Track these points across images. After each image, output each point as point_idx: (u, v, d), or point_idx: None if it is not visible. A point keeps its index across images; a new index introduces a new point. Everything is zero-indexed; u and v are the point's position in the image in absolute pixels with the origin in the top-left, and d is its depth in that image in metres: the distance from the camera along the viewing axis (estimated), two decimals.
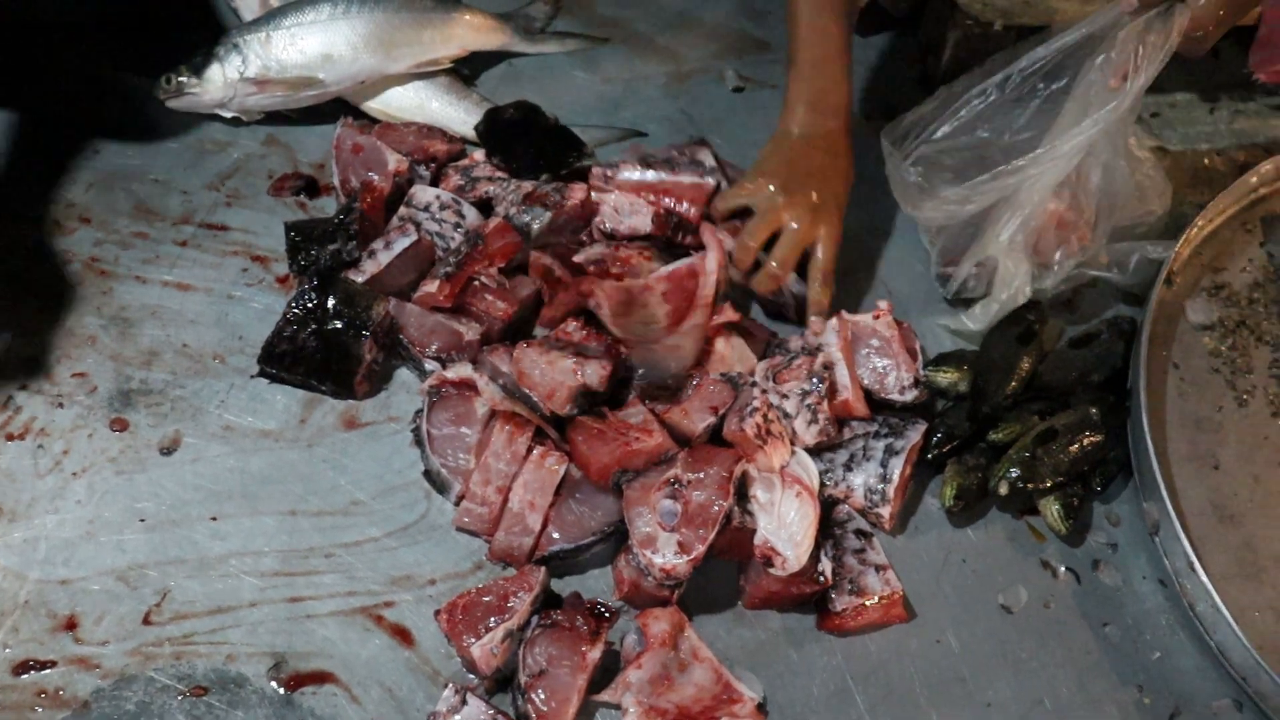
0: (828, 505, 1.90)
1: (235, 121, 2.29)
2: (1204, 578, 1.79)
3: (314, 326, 1.93)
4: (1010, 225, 1.99)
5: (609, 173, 2.14)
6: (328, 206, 2.21)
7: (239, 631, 1.75)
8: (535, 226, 2.06)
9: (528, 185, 2.13)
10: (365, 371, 1.96)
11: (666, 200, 2.13)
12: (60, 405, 1.93)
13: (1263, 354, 2.13)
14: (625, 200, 2.12)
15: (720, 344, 1.98)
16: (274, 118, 2.31)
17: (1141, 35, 1.86)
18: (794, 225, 2.04)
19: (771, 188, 2.06)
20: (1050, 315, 2.11)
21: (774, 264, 2.04)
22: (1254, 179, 2.27)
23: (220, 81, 2.21)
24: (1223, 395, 2.08)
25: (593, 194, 2.13)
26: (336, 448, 1.93)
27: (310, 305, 1.94)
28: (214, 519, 1.84)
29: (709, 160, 2.16)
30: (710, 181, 2.13)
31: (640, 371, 1.93)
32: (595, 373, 1.87)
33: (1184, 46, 1.88)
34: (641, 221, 2.10)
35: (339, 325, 1.93)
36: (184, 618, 1.76)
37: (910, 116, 2.13)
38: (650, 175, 2.14)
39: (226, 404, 1.96)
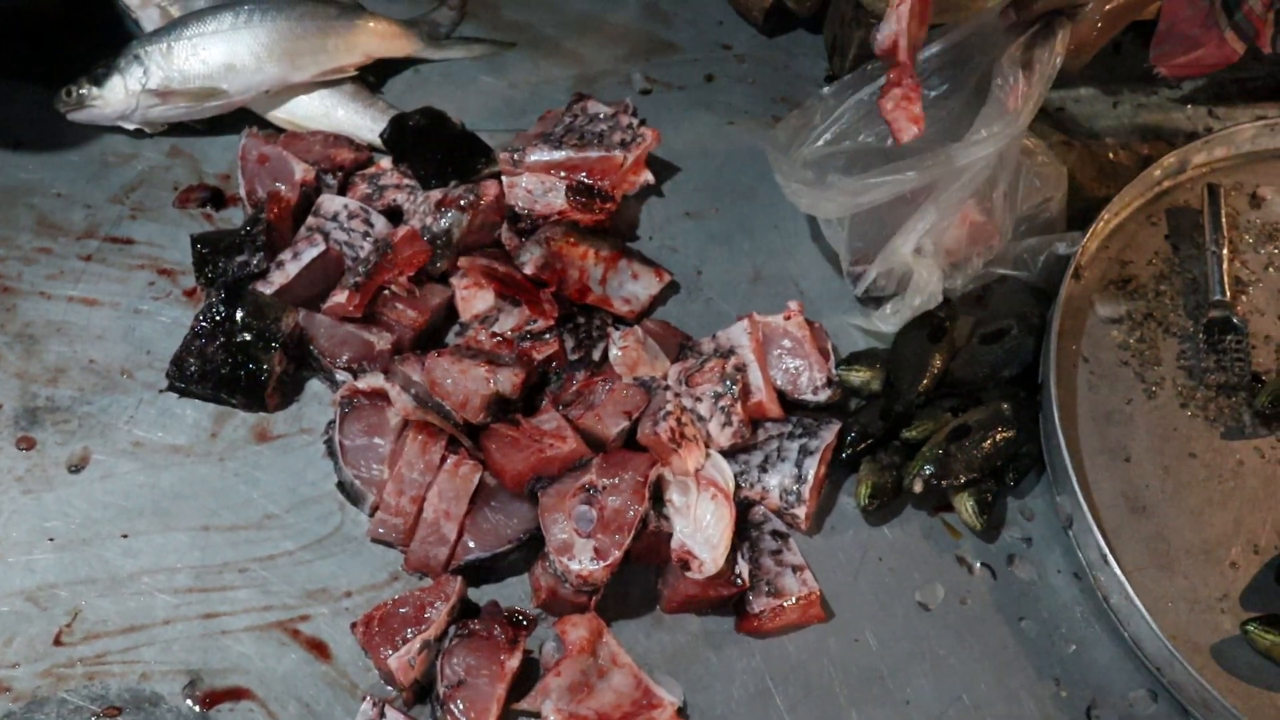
0: (743, 507, 1.96)
1: (138, 133, 2.31)
2: (1117, 570, 1.86)
3: (223, 339, 1.97)
4: (918, 234, 2.05)
5: (516, 156, 2.20)
6: (234, 218, 2.24)
7: (153, 650, 1.78)
8: (455, 232, 2.11)
9: (436, 193, 2.17)
10: (276, 384, 1.99)
11: (579, 176, 2.20)
12: None
13: (1170, 346, 2.19)
14: (537, 181, 2.18)
15: (633, 348, 2.03)
16: (178, 129, 2.33)
17: (1026, 56, 1.94)
18: None
19: None
20: (960, 311, 2.18)
21: None
22: (1157, 172, 2.33)
23: (122, 93, 2.23)
24: (1132, 388, 2.15)
25: (504, 178, 2.19)
26: (249, 461, 1.96)
27: (218, 318, 1.97)
28: (125, 536, 1.87)
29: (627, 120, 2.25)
30: (618, 155, 2.20)
31: None
32: (508, 380, 1.92)
33: (1067, 61, 1.96)
34: (556, 199, 2.17)
35: (248, 338, 1.96)
36: (96, 637, 1.78)
37: (794, 120, 2.19)
38: (559, 154, 2.20)
39: (135, 420, 1.98)
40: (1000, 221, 2.10)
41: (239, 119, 2.32)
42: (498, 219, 2.19)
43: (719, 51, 2.63)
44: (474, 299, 2.10)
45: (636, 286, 2.17)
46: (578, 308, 2.12)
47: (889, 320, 2.15)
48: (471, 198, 2.13)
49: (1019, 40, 1.95)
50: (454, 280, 2.12)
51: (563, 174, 2.20)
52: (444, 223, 2.11)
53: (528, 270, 2.08)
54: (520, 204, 2.17)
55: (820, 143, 2.16)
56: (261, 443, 1.98)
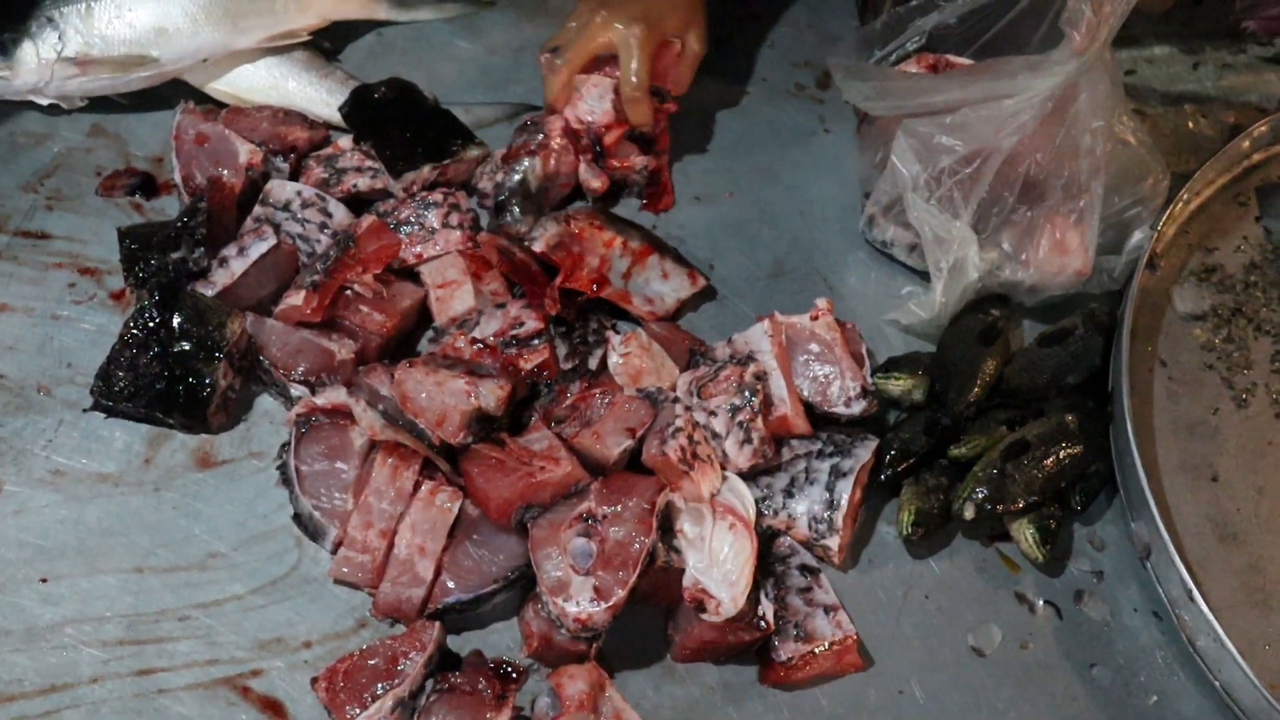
0: (766, 538, 1.98)
1: (54, 109, 2.32)
2: (1204, 608, 1.87)
3: (157, 349, 1.98)
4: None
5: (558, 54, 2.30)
6: (169, 207, 2.26)
7: (77, 713, 1.78)
8: (532, 181, 2.19)
9: (501, 150, 2.27)
10: (220, 400, 2.00)
11: None
12: None
13: (1263, 346, 2.22)
14: (590, 86, 2.29)
15: (636, 355, 2.06)
16: (100, 104, 2.35)
17: None
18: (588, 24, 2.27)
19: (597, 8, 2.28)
20: (1017, 309, 2.21)
21: (628, 86, 2.25)
22: (1246, 143, 2.35)
23: (33, 63, 2.24)
24: (1219, 395, 2.17)
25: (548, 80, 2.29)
26: (189, 491, 1.97)
27: (152, 325, 1.98)
28: (44, 580, 1.88)
29: None
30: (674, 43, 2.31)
31: None
32: (491, 394, 1.93)
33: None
34: (606, 102, 2.29)
35: (187, 347, 1.98)
36: (10, 699, 1.78)
37: (867, 32, 2.28)
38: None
39: (55, 444, 2.00)
40: (1087, 243, 2.14)
41: (172, 92, 2.34)
42: (574, 160, 2.26)
43: (732, 9, 2.65)
44: (451, 299, 2.12)
45: (664, 287, 2.20)
46: (577, 306, 2.15)
47: (926, 304, 2.18)
48: (540, 137, 2.17)
49: None
50: (427, 278, 2.15)
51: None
52: (515, 176, 2.14)
53: (537, 248, 2.11)
54: (579, 115, 2.25)
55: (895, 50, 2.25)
56: (204, 469, 2.00)
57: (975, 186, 2.09)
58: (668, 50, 2.30)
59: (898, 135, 2.13)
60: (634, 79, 2.26)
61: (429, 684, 1.78)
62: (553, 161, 2.22)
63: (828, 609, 1.92)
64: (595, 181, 2.26)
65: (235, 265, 2.08)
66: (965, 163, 2.08)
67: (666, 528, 1.88)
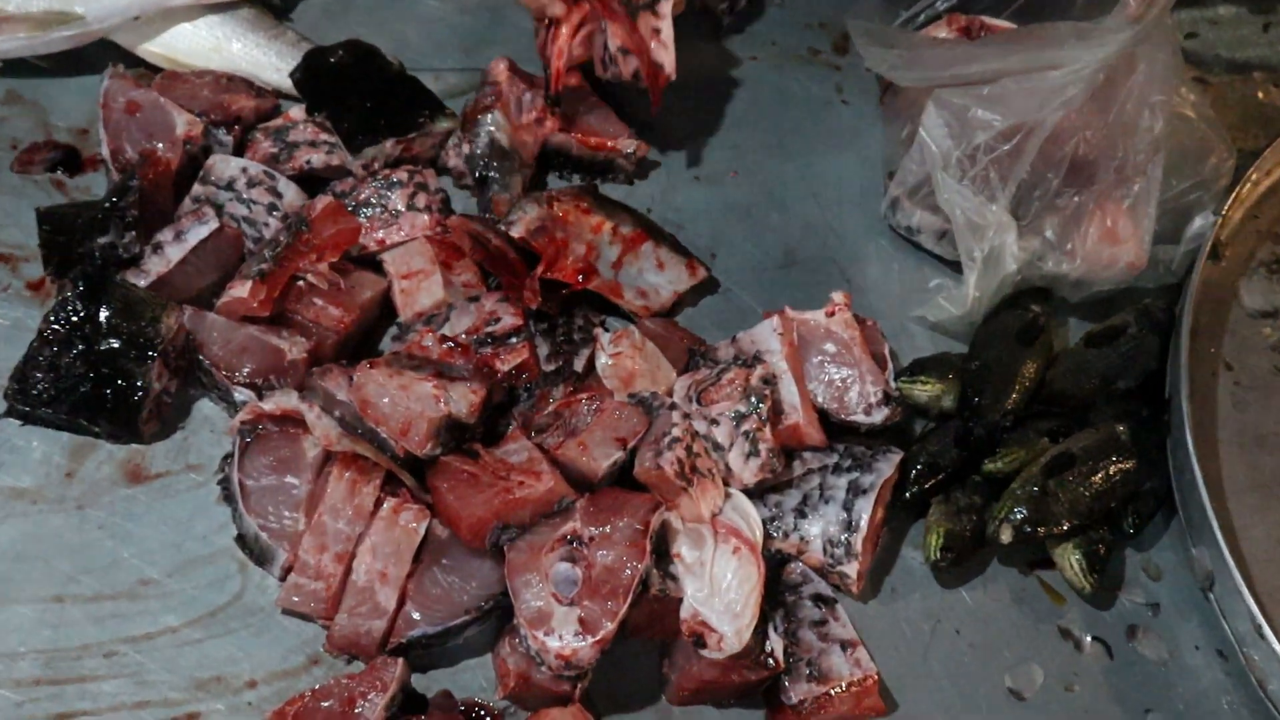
0: (775, 564, 1.99)
1: None
2: (1276, 645, 1.88)
3: (81, 347, 1.98)
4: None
5: None
6: (95, 186, 2.27)
7: None
8: (502, 139, 2.21)
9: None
10: (153, 406, 2.01)
11: None
12: None
13: None
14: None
15: (628, 355, 2.06)
16: (16, 67, 2.36)
17: None
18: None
19: None
20: (1060, 305, 2.22)
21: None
22: None
23: None
24: None
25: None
26: (117, 509, 1.97)
27: (75, 319, 1.98)
28: None
29: None
30: None
31: None
32: (463, 399, 1.94)
33: None
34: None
35: (115, 344, 1.98)
36: None
37: None
38: None
39: None
40: (1142, 232, 2.14)
41: (100, 54, 2.34)
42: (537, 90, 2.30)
43: None
44: (418, 291, 2.13)
45: (660, 278, 2.21)
46: (560, 300, 2.15)
47: (957, 299, 2.19)
48: (490, 86, 2.21)
49: None
50: (391, 267, 2.15)
51: None
52: (482, 139, 2.15)
53: (515, 232, 2.11)
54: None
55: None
56: (134, 484, 2.00)
57: (1015, 166, 2.10)
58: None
59: (927, 107, 2.13)
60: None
61: None
62: (514, 106, 2.22)
63: (845, 645, 1.92)
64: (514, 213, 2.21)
65: (171, 252, 2.08)
66: (1003, 139, 2.08)
67: (662, 552, 1.88)
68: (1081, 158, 2.13)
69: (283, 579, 1.92)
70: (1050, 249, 2.16)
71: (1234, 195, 2.25)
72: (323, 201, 2.12)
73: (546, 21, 2.25)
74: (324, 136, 2.27)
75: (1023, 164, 2.09)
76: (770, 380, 2.03)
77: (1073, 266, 2.16)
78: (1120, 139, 2.11)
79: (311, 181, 2.25)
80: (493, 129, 2.23)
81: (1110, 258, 2.16)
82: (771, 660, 1.87)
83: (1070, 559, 2.00)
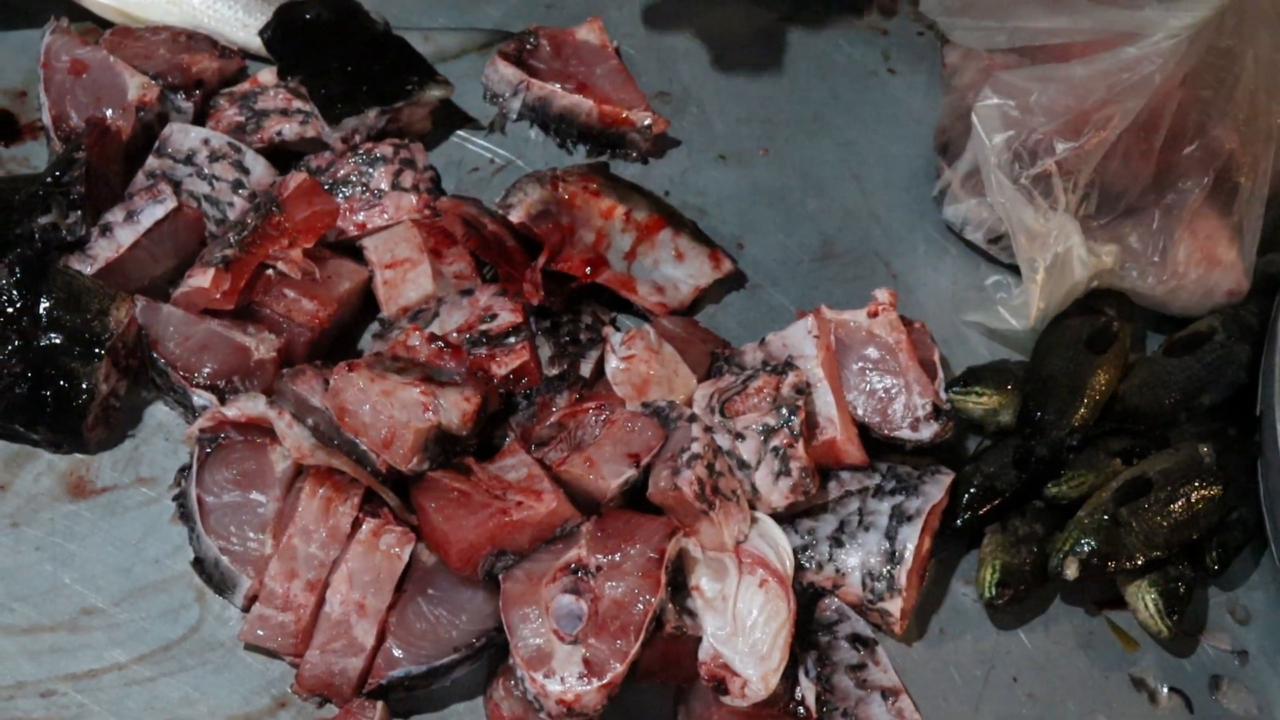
0: (807, 599, 1.99)
1: None
2: None
3: (18, 343, 1.98)
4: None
5: None
6: (34, 156, 2.28)
7: None
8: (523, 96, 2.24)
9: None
10: (100, 410, 2.01)
11: None
12: None
13: None
14: None
15: (642, 359, 2.06)
16: None
17: None
18: None
19: None
20: (1137, 308, 2.22)
21: None
22: None
23: None
24: None
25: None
26: (57, 528, 1.98)
27: (11, 311, 1.99)
28: None
29: None
30: None
31: None
32: (455, 408, 1.94)
33: None
34: None
35: (57, 340, 1.99)
36: None
37: None
38: None
39: None
40: (1246, 249, 2.15)
41: (40, 5, 2.35)
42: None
43: None
44: (403, 283, 2.14)
45: (679, 271, 2.23)
46: (566, 295, 2.16)
47: (1020, 312, 2.19)
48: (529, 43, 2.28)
49: None
50: (373, 255, 2.17)
51: None
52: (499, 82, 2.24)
53: (515, 217, 2.13)
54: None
55: None
56: (77, 499, 2.01)
57: (1083, 165, 2.10)
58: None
59: (983, 91, 2.13)
60: None
61: None
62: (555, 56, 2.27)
63: (886, 693, 1.93)
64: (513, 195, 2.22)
65: (122, 234, 2.09)
66: (1070, 133, 2.08)
67: (678, 584, 1.89)
68: (1173, 156, 2.12)
69: (246, 610, 1.92)
70: (1131, 260, 2.16)
71: None
72: (296, 179, 2.12)
73: None
74: (297, 104, 2.28)
75: (1090, 162, 2.10)
76: (804, 389, 2.03)
77: (1161, 286, 2.17)
78: (1222, 133, 2.11)
79: (283, 156, 2.26)
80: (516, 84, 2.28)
81: (1204, 283, 2.18)
82: (802, 709, 1.88)
83: (1145, 598, 2.00)
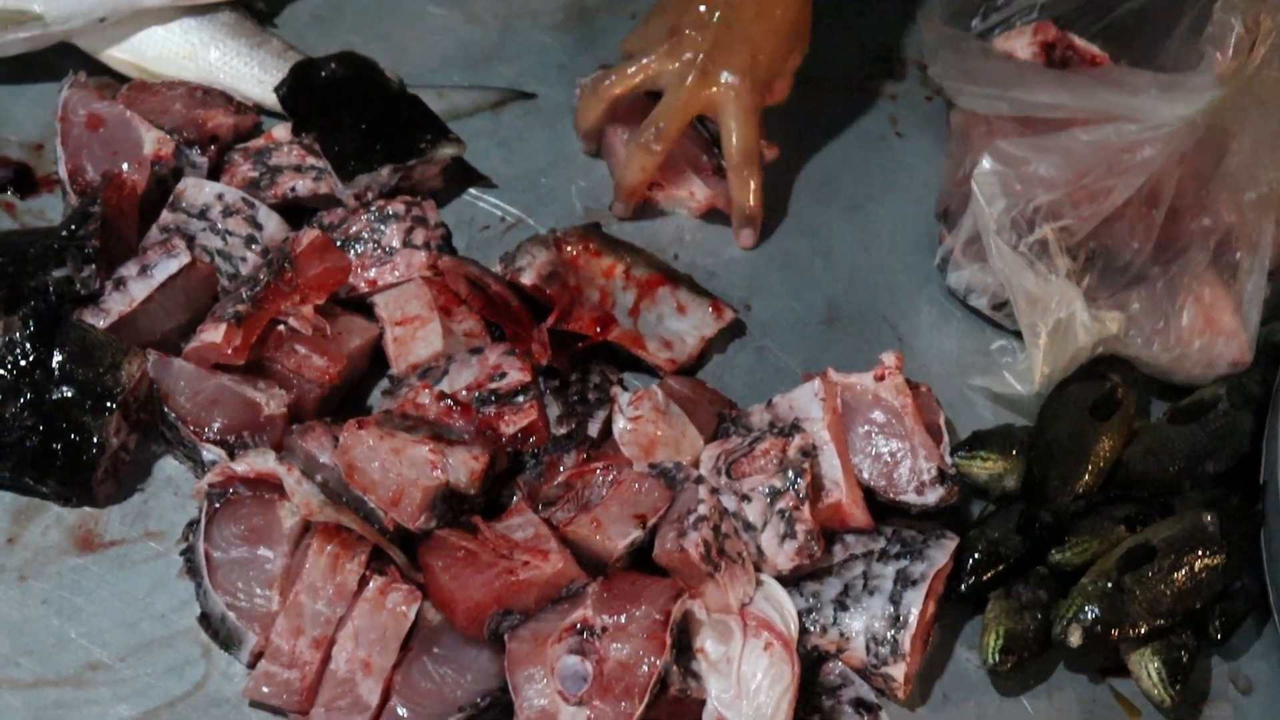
0: (811, 662, 1.97)
1: None
2: None
3: (30, 396, 1.98)
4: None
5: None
6: (50, 210, 2.27)
7: None
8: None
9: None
10: (110, 464, 2.00)
11: None
12: None
13: None
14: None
15: (649, 419, 2.05)
16: None
17: None
18: (679, 80, 2.28)
19: (668, 34, 2.31)
20: (1141, 375, 2.21)
21: (643, 137, 2.28)
22: None
23: None
24: None
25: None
26: (65, 581, 1.97)
27: (24, 364, 1.98)
28: None
29: None
30: None
31: None
32: (463, 466, 1.93)
33: None
34: None
35: (69, 394, 1.98)
36: None
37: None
38: None
39: None
40: (1248, 319, 2.15)
41: (59, 60, 2.35)
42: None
43: None
44: (413, 340, 2.13)
45: (683, 324, 2.22)
46: (573, 354, 2.15)
47: (1025, 377, 2.18)
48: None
49: None
50: (383, 312, 2.16)
51: None
52: None
53: (526, 279, 2.12)
54: None
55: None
56: (85, 553, 1.99)
57: (1082, 233, 2.12)
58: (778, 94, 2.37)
59: (982, 158, 2.14)
60: (747, 149, 2.30)
61: None
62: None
63: None
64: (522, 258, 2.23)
65: (136, 289, 2.08)
66: (1069, 204, 2.09)
67: (684, 646, 1.88)
68: (1176, 228, 2.12)
69: (252, 666, 1.91)
70: (1135, 327, 2.16)
71: None
72: (308, 235, 2.12)
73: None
74: (311, 160, 2.28)
75: (1090, 230, 2.09)
76: (810, 452, 2.02)
77: (1164, 353, 2.17)
78: (1223, 208, 2.11)
79: (296, 211, 2.25)
80: None
81: (1209, 352, 2.17)
82: None
83: (1148, 667, 1.98)
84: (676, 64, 2.28)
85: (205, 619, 1.93)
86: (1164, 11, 2.23)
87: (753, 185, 2.31)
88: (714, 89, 2.27)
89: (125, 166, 2.20)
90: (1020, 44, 2.35)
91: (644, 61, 2.31)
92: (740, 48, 2.28)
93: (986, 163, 2.13)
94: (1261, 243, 2.12)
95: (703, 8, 2.29)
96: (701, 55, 2.27)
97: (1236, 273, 2.15)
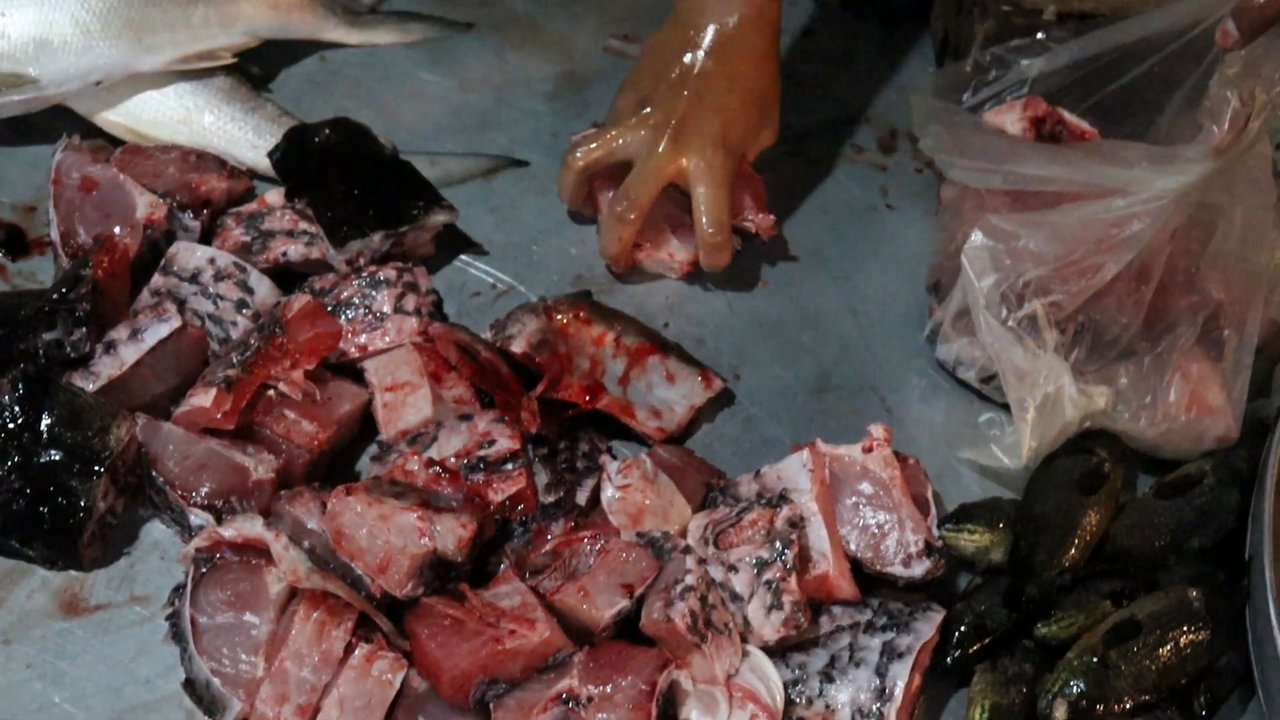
0: None
1: None
2: None
3: (17, 459, 1.97)
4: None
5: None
6: (41, 272, 2.27)
7: None
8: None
9: None
10: (96, 527, 1.99)
11: None
12: None
13: None
14: None
15: (638, 488, 2.05)
16: None
17: (1250, 71, 1.99)
18: (650, 150, 2.29)
19: (636, 105, 2.32)
20: (1128, 450, 2.21)
21: (616, 208, 2.29)
22: None
23: None
24: None
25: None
26: (49, 645, 1.96)
27: (12, 426, 1.97)
28: None
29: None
30: None
31: None
32: (451, 534, 1.93)
33: None
34: None
35: (57, 457, 1.97)
36: None
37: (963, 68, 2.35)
38: None
39: None
40: (1235, 396, 2.15)
41: (53, 123, 2.36)
42: None
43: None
44: (403, 406, 2.13)
45: (672, 393, 2.22)
46: (562, 422, 2.15)
47: (1013, 451, 2.18)
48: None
49: (1235, 61, 2.00)
50: (373, 377, 2.16)
51: None
52: None
53: (516, 347, 2.12)
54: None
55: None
56: (70, 616, 1.98)
57: (1072, 308, 2.13)
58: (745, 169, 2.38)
59: (973, 233, 2.14)
60: (718, 219, 2.30)
61: None
62: None
63: None
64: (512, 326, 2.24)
65: (126, 352, 2.08)
66: (1060, 278, 2.09)
67: (669, 716, 1.87)
68: (1164, 301, 2.13)
69: None
70: (1123, 402, 2.17)
71: None
72: (300, 300, 2.12)
73: None
74: (304, 226, 2.28)
75: (1079, 305, 2.10)
76: (798, 523, 2.02)
77: (1150, 427, 2.16)
78: (1212, 285, 2.11)
79: (287, 276, 2.25)
80: None
81: (1196, 428, 2.17)
82: None
83: None
84: (645, 133, 2.29)
85: (190, 685, 1.92)
86: (1154, 89, 2.24)
87: (724, 257, 2.33)
88: (684, 159, 2.28)
89: (117, 230, 2.20)
90: (1010, 119, 2.37)
91: (611, 134, 2.32)
92: (711, 117, 2.29)
93: (977, 237, 2.13)
94: (1249, 320, 2.13)
95: (674, 75, 2.31)
96: (673, 123, 2.28)
97: (1224, 350, 2.15)
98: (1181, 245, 2.11)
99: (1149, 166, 2.04)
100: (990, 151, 2.18)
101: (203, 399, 2.02)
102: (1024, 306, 2.11)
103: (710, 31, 2.30)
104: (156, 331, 2.09)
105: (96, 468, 1.96)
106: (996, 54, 2.38)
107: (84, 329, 2.07)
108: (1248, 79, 1.99)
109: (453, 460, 2.06)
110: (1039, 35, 2.44)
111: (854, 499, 2.10)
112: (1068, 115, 2.37)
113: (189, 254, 2.19)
